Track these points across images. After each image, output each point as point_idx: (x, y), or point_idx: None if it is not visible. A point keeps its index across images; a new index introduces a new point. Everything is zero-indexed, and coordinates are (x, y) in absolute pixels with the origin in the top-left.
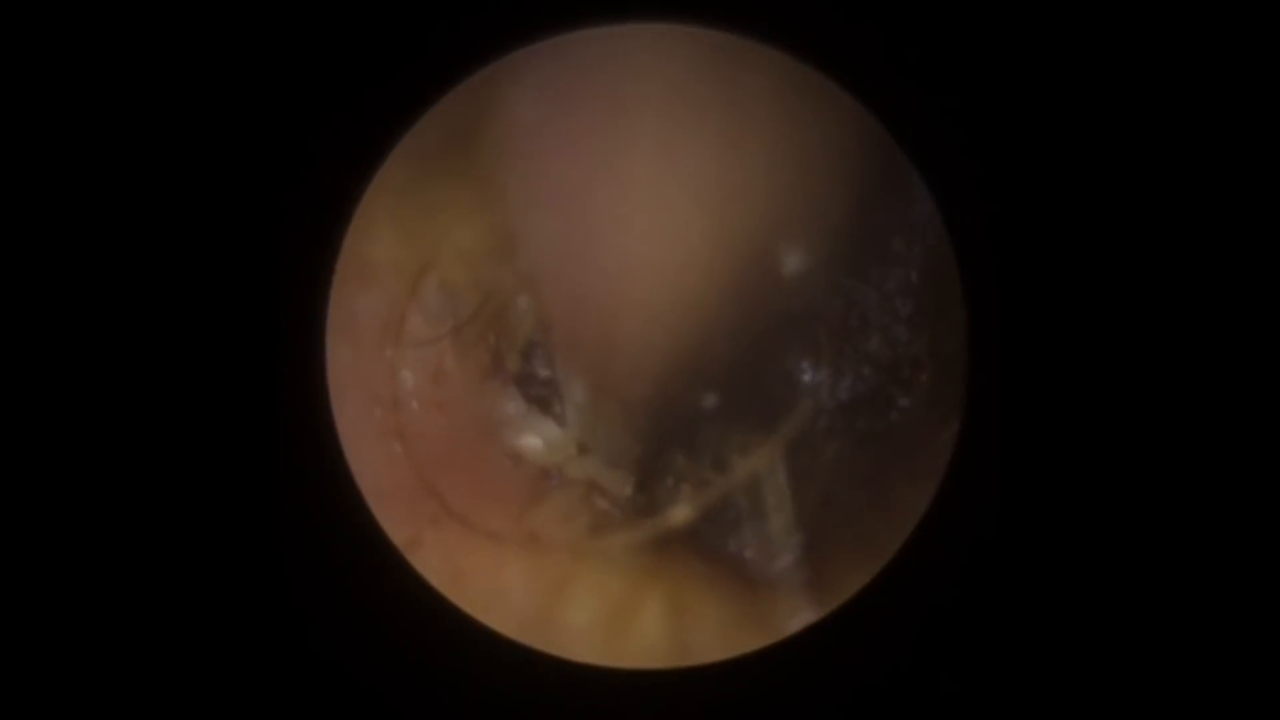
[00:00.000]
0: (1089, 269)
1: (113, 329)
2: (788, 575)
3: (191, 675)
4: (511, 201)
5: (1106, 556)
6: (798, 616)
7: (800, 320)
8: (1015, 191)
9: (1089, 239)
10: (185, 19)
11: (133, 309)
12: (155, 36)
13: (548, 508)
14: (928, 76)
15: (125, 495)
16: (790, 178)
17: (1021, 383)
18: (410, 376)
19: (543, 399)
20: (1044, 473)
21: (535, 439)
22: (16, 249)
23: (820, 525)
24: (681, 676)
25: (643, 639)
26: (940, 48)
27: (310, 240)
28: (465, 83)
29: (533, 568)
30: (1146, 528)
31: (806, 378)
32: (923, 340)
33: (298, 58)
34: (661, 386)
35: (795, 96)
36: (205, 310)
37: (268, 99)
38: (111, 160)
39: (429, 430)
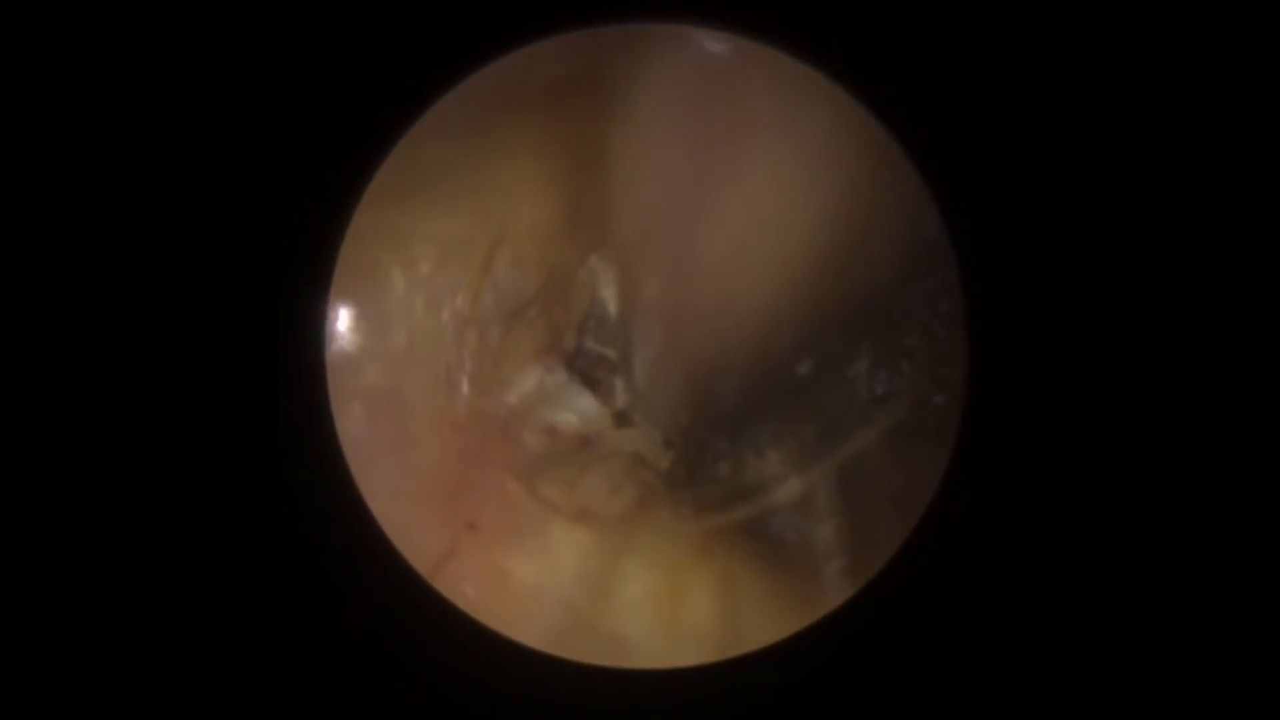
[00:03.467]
0: (1088, 272)
1: (116, 332)
2: (823, 555)
3: (213, 690)
4: (608, 167)
5: (1107, 550)
6: (835, 592)
7: (848, 316)
8: (1018, 206)
9: (1088, 244)
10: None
11: (132, 307)
12: (171, 25)
13: (594, 479)
14: (941, 104)
15: (128, 499)
16: (853, 187)
17: (1020, 375)
18: (471, 358)
19: (588, 372)
20: (1045, 459)
21: (571, 414)
22: (34, 241)
23: (852, 509)
24: (691, 675)
25: (694, 613)
26: (958, 75)
27: (310, 242)
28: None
29: (586, 545)
30: (1141, 531)
31: (849, 371)
32: (960, 339)
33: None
34: (732, 353)
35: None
36: (207, 325)
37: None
38: (107, 157)
39: (486, 410)
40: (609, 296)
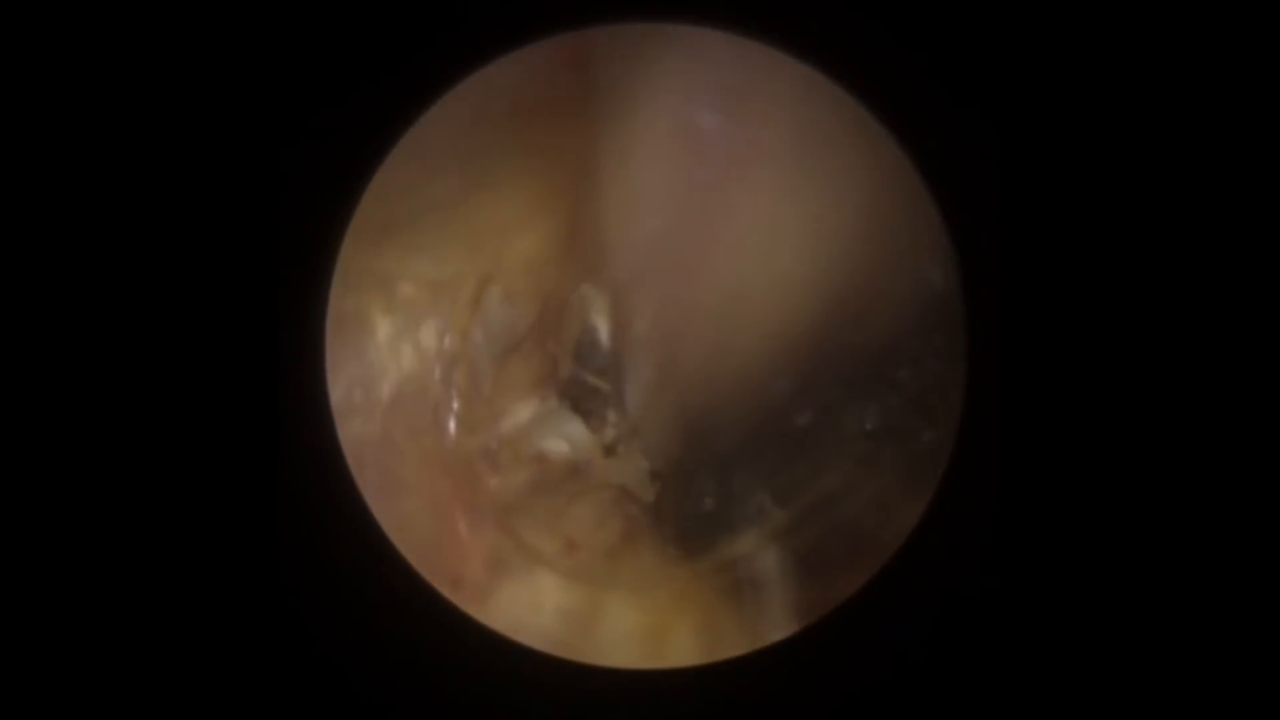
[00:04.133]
0: (1095, 312)
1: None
2: (804, 587)
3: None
4: (601, 188)
5: (1091, 580)
6: (791, 622)
7: (847, 355)
8: (1026, 243)
9: (1096, 281)
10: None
11: (137, 314)
12: (160, 35)
13: (581, 510)
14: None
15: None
16: (866, 213)
17: (1016, 407)
18: (460, 398)
19: (579, 400)
20: (1036, 492)
21: (561, 441)
22: (36, 247)
23: (836, 543)
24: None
25: (675, 650)
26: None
27: (303, 278)
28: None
29: (569, 584)
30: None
31: (839, 406)
32: (953, 374)
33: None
34: (722, 395)
35: (876, 160)
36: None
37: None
38: (109, 164)
39: (474, 448)
40: (601, 324)
